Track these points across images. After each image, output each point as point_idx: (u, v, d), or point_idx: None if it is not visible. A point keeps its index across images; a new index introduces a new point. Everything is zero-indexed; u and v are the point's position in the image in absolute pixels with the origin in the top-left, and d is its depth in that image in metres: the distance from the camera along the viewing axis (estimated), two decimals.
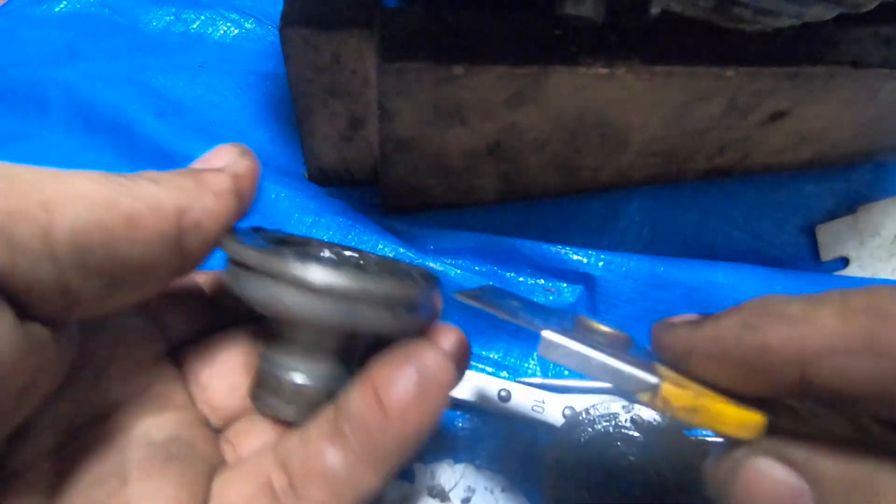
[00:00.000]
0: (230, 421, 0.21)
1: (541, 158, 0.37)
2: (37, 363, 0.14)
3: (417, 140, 0.34)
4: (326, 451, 0.17)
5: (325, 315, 0.17)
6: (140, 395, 0.19)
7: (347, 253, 0.22)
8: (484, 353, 0.35)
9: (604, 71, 0.32)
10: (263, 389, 0.20)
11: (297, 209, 0.36)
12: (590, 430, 0.31)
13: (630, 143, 0.38)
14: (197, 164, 0.20)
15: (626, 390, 0.17)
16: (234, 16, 0.51)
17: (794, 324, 0.14)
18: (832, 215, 0.44)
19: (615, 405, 0.32)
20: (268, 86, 0.46)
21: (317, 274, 0.16)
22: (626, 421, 0.31)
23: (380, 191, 0.39)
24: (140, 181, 0.16)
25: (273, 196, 0.37)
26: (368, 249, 0.35)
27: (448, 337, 0.19)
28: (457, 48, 0.31)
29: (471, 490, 0.30)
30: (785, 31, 0.32)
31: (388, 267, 0.22)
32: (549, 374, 0.34)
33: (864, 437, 0.15)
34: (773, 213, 0.44)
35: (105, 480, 0.17)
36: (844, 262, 0.44)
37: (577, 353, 0.17)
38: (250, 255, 0.17)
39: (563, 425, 0.31)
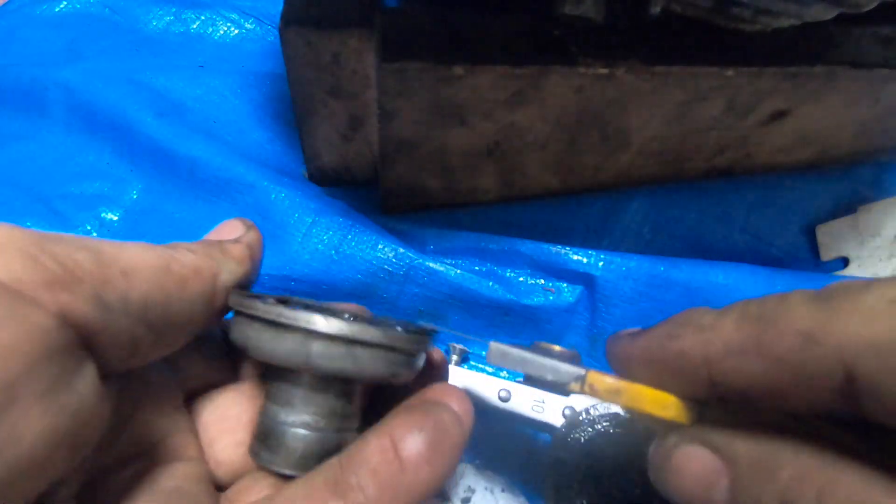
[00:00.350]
0: (234, 477, 0.21)
1: (541, 158, 0.37)
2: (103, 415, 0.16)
3: (417, 140, 0.34)
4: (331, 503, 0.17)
5: (326, 360, 0.18)
6: (158, 444, 0.20)
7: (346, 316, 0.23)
8: (484, 353, 0.35)
9: (604, 71, 0.32)
10: (263, 444, 0.20)
11: (297, 209, 0.36)
12: (590, 430, 0.31)
13: (630, 143, 0.38)
14: (211, 236, 0.22)
15: (560, 382, 0.20)
16: (234, 16, 0.51)
17: (703, 331, 0.17)
18: (832, 215, 0.44)
19: (615, 405, 0.32)
20: (268, 86, 0.46)
21: (319, 321, 0.18)
22: (626, 421, 0.31)
23: (380, 191, 0.39)
24: (181, 250, 0.19)
25: (273, 196, 0.37)
26: (368, 249, 0.36)
27: (457, 398, 0.20)
28: (457, 48, 0.31)
29: (471, 490, 0.30)
30: (785, 31, 0.32)
31: (385, 322, 0.22)
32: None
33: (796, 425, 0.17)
34: (773, 213, 0.44)
35: None
36: (844, 262, 0.44)
37: (518, 357, 0.20)
38: (257, 306, 0.19)
39: (562, 425, 0.31)
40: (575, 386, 0.20)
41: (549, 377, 0.20)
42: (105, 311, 0.15)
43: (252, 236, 0.22)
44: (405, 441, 0.17)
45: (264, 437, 0.20)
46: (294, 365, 0.19)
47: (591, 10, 0.34)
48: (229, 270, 0.20)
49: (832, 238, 0.44)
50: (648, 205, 0.42)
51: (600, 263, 0.36)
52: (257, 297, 0.19)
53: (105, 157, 0.41)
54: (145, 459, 0.19)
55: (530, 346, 0.23)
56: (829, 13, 0.30)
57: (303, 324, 0.18)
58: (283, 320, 0.18)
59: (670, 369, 0.18)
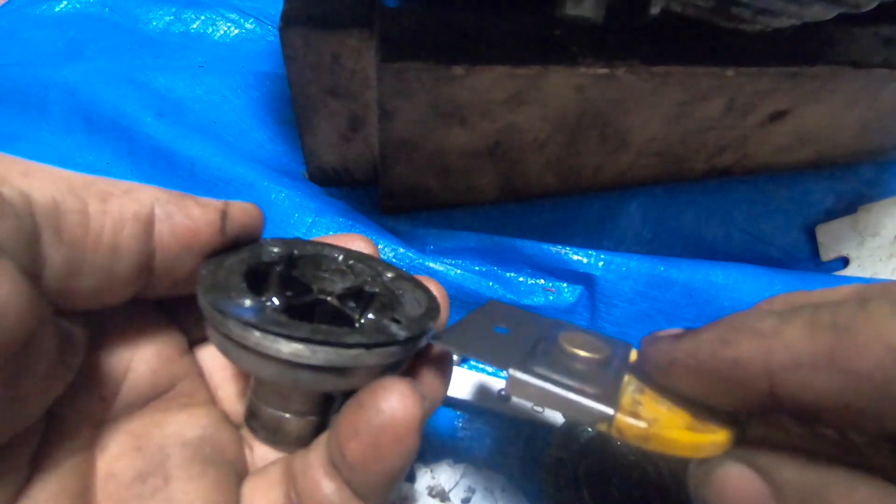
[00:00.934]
0: (241, 423, 0.22)
1: (541, 158, 0.37)
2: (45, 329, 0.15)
3: (417, 140, 0.34)
4: (322, 482, 0.18)
5: (316, 384, 0.18)
6: (168, 390, 0.20)
7: (359, 265, 0.22)
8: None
9: (604, 71, 0.32)
10: (256, 421, 0.20)
11: (297, 209, 0.36)
12: (590, 429, 0.31)
13: (630, 143, 0.38)
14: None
15: (584, 422, 0.18)
16: (234, 16, 0.51)
17: (764, 339, 0.15)
18: (832, 215, 0.44)
19: None
20: (268, 86, 0.46)
21: (304, 352, 0.17)
22: None
23: (380, 191, 0.39)
24: (119, 182, 0.18)
25: (273, 196, 0.37)
26: None
27: (398, 392, 0.18)
28: (457, 48, 0.31)
29: (471, 490, 0.30)
30: (785, 31, 0.32)
31: (388, 292, 0.21)
32: None
33: (844, 449, 0.16)
34: (773, 213, 0.44)
35: (147, 477, 0.18)
36: (844, 261, 0.44)
37: (541, 389, 0.18)
38: (215, 318, 0.17)
39: (562, 425, 0.31)
40: (602, 426, 0.18)
41: (573, 416, 0.18)
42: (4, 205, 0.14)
43: (235, 209, 0.20)
44: (347, 443, 0.17)
45: (258, 419, 0.20)
46: (280, 385, 0.19)
47: (591, 10, 0.34)
48: (176, 221, 0.18)
49: (832, 238, 0.44)
50: (648, 205, 0.42)
51: (600, 263, 0.36)
52: (235, 293, 0.18)
53: (105, 156, 0.41)
54: (160, 408, 0.19)
55: (557, 336, 0.21)
56: (829, 13, 0.30)
57: (285, 356, 0.17)
58: (261, 350, 0.17)
59: (723, 379, 0.16)
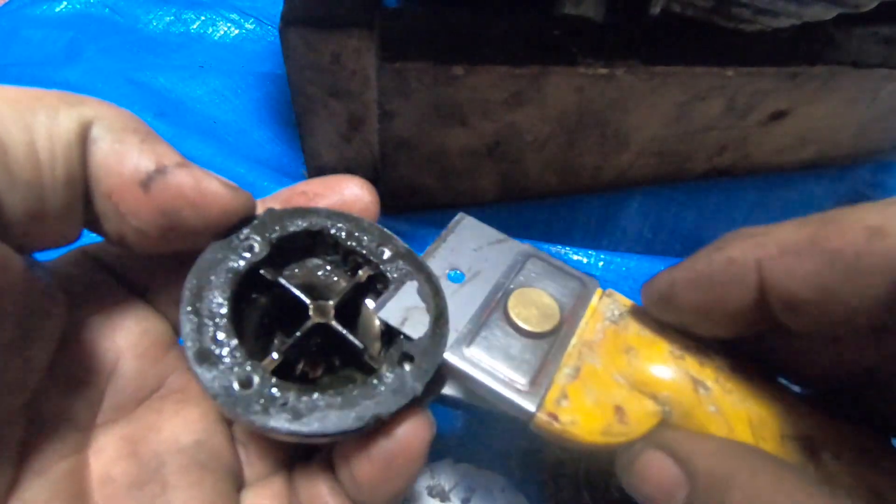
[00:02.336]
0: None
1: (541, 158, 0.37)
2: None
3: (417, 140, 0.34)
4: (327, 499, 0.18)
5: (283, 438, 0.17)
6: (158, 388, 0.20)
7: (351, 243, 0.20)
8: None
9: (603, 71, 0.32)
10: None
11: None
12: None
13: (630, 143, 0.38)
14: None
15: (509, 413, 0.18)
16: (234, 16, 0.51)
17: (754, 237, 0.16)
18: None
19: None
20: (268, 86, 0.46)
21: (265, 421, 0.16)
22: None
23: (380, 191, 0.39)
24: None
25: None
26: None
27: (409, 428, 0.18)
28: (457, 48, 0.31)
29: (471, 490, 0.30)
30: (785, 31, 0.32)
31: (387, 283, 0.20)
32: None
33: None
34: (773, 213, 0.44)
35: (144, 484, 0.17)
36: None
37: (470, 378, 0.18)
38: (218, 395, 0.16)
39: None
40: (527, 420, 0.18)
41: (499, 406, 0.18)
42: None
43: (183, 176, 0.16)
44: (359, 467, 0.17)
45: None
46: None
47: (591, 10, 0.34)
48: (103, 148, 0.15)
49: None
50: (648, 205, 0.42)
51: (600, 263, 0.36)
52: (222, 350, 0.16)
53: None
54: (153, 407, 0.19)
55: (511, 292, 0.20)
56: (829, 13, 0.30)
57: (285, 433, 0.16)
58: (258, 427, 0.16)
59: (719, 281, 0.17)
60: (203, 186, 0.17)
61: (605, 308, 0.21)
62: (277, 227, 0.19)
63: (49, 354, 0.16)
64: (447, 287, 0.20)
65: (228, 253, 0.18)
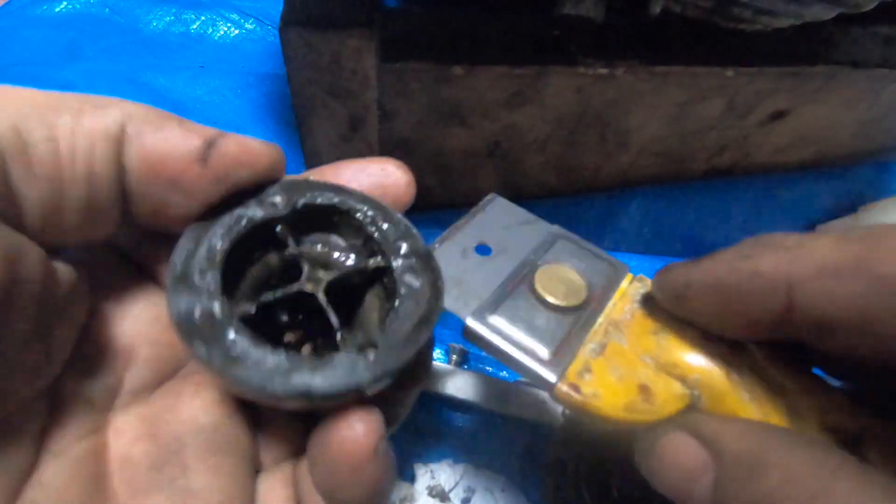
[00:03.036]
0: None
1: (540, 158, 0.37)
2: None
3: (417, 140, 0.34)
4: (315, 493, 0.18)
5: (213, 375, 0.16)
6: (177, 370, 0.19)
7: (375, 227, 0.19)
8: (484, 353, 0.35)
9: (603, 71, 0.32)
10: None
11: None
12: (590, 429, 0.31)
13: (630, 143, 0.38)
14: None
15: (531, 381, 0.18)
16: (234, 16, 0.51)
17: (787, 250, 0.15)
18: (832, 215, 0.44)
19: None
20: (268, 86, 0.46)
21: (201, 353, 0.16)
22: None
23: None
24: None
25: None
26: None
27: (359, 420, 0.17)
28: (456, 48, 0.31)
29: (471, 490, 0.30)
30: (785, 31, 0.32)
31: (391, 279, 0.19)
32: None
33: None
34: (773, 213, 0.44)
35: (163, 465, 0.17)
36: None
37: (492, 345, 0.18)
38: (178, 316, 0.16)
39: (562, 425, 0.31)
40: (550, 390, 0.18)
41: (521, 374, 0.18)
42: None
43: (230, 141, 0.17)
44: (312, 473, 0.17)
45: None
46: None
47: (591, 10, 0.35)
48: (145, 142, 0.16)
49: None
50: (648, 205, 0.42)
51: None
52: (203, 296, 0.16)
53: None
54: (172, 390, 0.19)
55: (538, 267, 0.20)
56: (829, 13, 0.30)
57: (239, 389, 0.16)
58: (221, 377, 0.15)
59: (742, 293, 0.15)
60: (248, 146, 0.17)
61: (635, 291, 0.20)
62: (308, 195, 0.19)
63: (72, 343, 0.16)
64: (475, 260, 0.21)
65: (250, 202, 0.18)
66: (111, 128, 0.15)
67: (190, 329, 0.16)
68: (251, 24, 0.51)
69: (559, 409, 0.32)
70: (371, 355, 0.17)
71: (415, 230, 0.20)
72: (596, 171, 0.40)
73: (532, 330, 0.19)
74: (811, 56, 0.36)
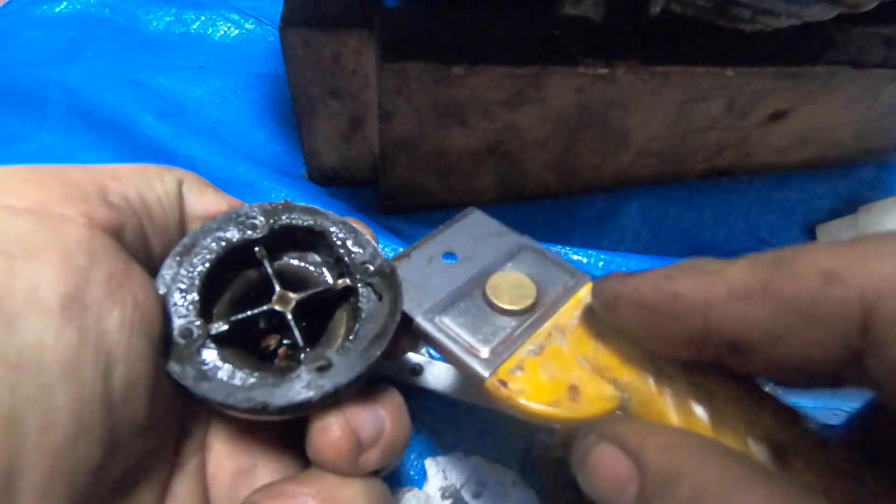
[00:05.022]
0: None
1: (541, 158, 0.37)
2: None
3: (417, 140, 0.34)
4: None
5: (244, 415, 0.18)
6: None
7: (348, 251, 0.21)
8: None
9: (604, 71, 0.32)
10: None
11: None
12: (589, 430, 0.31)
13: (630, 143, 0.38)
14: None
15: (467, 377, 0.20)
16: (234, 16, 0.51)
17: (705, 275, 0.16)
18: (832, 215, 0.44)
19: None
20: (268, 86, 0.46)
21: (174, 370, 0.17)
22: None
23: (380, 191, 0.39)
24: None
25: (273, 196, 0.37)
26: None
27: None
28: (457, 48, 0.31)
29: (482, 484, 0.30)
30: (785, 31, 0.32)
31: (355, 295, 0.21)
32: None
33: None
34: (773, 213, 0.44)
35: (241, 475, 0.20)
36: None
37: (437, 341, 0.20)
38: (175, 370, 0.18)
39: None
40: (481, 385, 0.19)
41: (459, 370, 0.20)
42: (116, 210, 0.17)
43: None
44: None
45: None
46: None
47: (591, 10, 0.35)
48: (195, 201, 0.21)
49: (832, 238, 0.44)
50: (648, 205, 0.42)
51: (600, 263, 0.36)
52: (180, 311, 0.18)
53: (105, 156, 0.41)
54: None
55: (493, 275, 0.22)
56: (829, 13, 0.30)
57: (232, 412, 0.18)
58: (168, 365, 0.17)
59: (661, 312, 0.16)
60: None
61: (589, 298, 0.21)
62: (285, 217, 0.21)
63: None
64: (439, 266, 0.23)
65: (230, 225, 0.20)
66: (177, 187, 0.20)
67: (167, 348, 0.18)
68: (251, 24, 0.51)
69: None
70: (325, 373, 0.18)
71: (380, 252, 0.22)
72: (596, 171, 0.40)
73: (475, 331, 0.20)
74: (811, 56, 0.36)
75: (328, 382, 0.18)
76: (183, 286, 0.19)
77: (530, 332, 0.20)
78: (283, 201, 0.22)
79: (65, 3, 0.50)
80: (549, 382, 0.19)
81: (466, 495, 0.29)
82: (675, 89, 0.34)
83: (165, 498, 0.18)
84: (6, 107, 0.44)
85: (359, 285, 0.21)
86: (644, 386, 0.18)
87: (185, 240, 0.19)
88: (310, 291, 0.20)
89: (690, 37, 0.34)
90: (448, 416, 0.33)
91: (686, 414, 0.17)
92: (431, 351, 0.35)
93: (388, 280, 0.21)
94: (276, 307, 0.20)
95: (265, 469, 0.20)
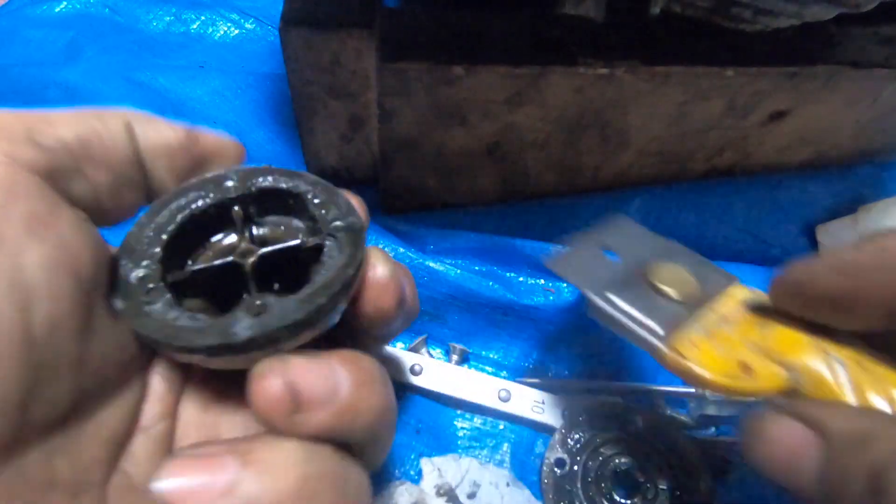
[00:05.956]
0: None
1: (541, 158, 0.37)
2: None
3: (417, 140, 0.34)
4: None
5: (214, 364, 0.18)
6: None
7: (323, 211, 0.21)
8: (484, 353, 0.35)
9: (604, 71, 0.32)
10: None
11: None
12: (590, 430, 0.31)
13: (630, 143, 0.38)
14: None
15: (642, 348, 0.21)
16: (234, 16, 0.51)
17: None
18: (832, 215, 0.44)
19: (615, 406, 0.32)
20: (268, 86, 0.46)
21: (118, 306, 0.18)
22: (626, 422, 0.31)
23: (380, 191, 0.39)
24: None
25: None
26: None
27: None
28: (457, 48, 0.31)
29: (476, 485, 0.30)
30: (785, 31, 0.32)
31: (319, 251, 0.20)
32: (549, 375, 0.34)
33: None
34: (773, 213, 0.44)
35: None
36: None
37: (609, 316, 0.22)
38: (118, 305, 0.18)
39: (562, 426, 0.31)
40: (659, 354, 0.21)
41: (634, 342, 0.22)
42: (46, 151, 0.17)
43: (207, 135, 0.22)
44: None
45: None
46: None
47: (591, 10, 0.35)
48: (150, 136, 0.21)
49: (832, 238, 0.44)
50: (648, 205, 0.42)
51: None
52: (139, 259, 0.19)
53: None
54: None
55: (655, 266, 0.24)
56: (829, 13, 0.30)
57: (166, 351, 0.18)
58: (117, 305, 0.18)
59: (867, 267, 0.17)
60: (219, 139, 0.22)
61: (743, 297, 0.23)
62: (261, 179, 0.22)
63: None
64: (602, 259, 0.26)
65: (207, 185, 0.21)
66: (124, 126, 0.20)
67: (126, 290, 0.18)
68: (251, 24, 0.51)
69: (560, 409, 0.32)
70: (260, 317, 0.18)
71: (356, 209, 0.22)
72: (596, 171, 0.40)
73: (647, 310, 0.22)
74: (811, 56, 0.36)
75: (259, 325, 0.17)
76: (148, 238, 0.19)
77: (696, 318, 0.22)
78: (264, 165, 0.22)
79: (65, 3, 0.50)
80: (723, 358, 0.20)
81: (461, 495, 0.29)
82: (676, 89, 0.34)
83: (120, 455, 0.17)
84: (6, 107, 0.43)
85: (326, 241, 0.20)
86: (816, 367, 0.19)
87: (163, 197, 0.20)
88: (276, 246, 0.20)
89: (690, 37, 0.34)
90: (446, 416, 0.33)
91: (863, 396, 0.18)
92: (431, 351, 0.35)
93: (353, 235, 0.20)
94: (236, 259, 0.20)
95: (229, 437, 0.19)
